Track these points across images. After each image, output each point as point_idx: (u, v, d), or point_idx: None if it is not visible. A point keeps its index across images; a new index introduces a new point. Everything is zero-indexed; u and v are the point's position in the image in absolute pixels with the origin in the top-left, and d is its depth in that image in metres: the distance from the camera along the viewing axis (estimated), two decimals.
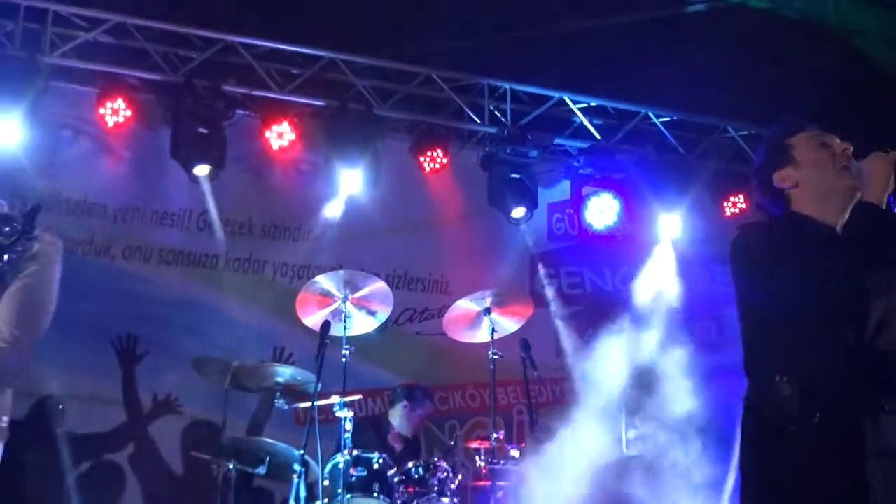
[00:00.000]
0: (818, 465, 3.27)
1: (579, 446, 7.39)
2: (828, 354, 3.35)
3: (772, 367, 3.37)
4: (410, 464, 7.09)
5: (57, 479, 7.14)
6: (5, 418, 3.64)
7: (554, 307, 9.89)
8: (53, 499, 7.31)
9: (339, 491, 6.77)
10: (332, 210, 9.07)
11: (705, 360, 9.11)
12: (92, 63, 8.30)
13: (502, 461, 7.19)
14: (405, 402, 7.95)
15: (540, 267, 10.07)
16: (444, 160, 9.30)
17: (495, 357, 7.36)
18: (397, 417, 7.95)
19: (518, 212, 9.43)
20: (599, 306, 10.05)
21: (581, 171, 9.96)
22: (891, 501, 3.29)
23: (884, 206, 3.32)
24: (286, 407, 7.50)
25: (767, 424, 3.36)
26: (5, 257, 3.36)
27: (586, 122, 9.76)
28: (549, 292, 10.00)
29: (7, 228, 3.33)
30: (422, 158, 9.27)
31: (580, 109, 9.72)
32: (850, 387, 3.33)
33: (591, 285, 10.21)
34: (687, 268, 10.08)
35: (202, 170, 8.37)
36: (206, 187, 8.65)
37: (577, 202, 9.90)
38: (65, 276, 6.60)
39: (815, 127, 3.61)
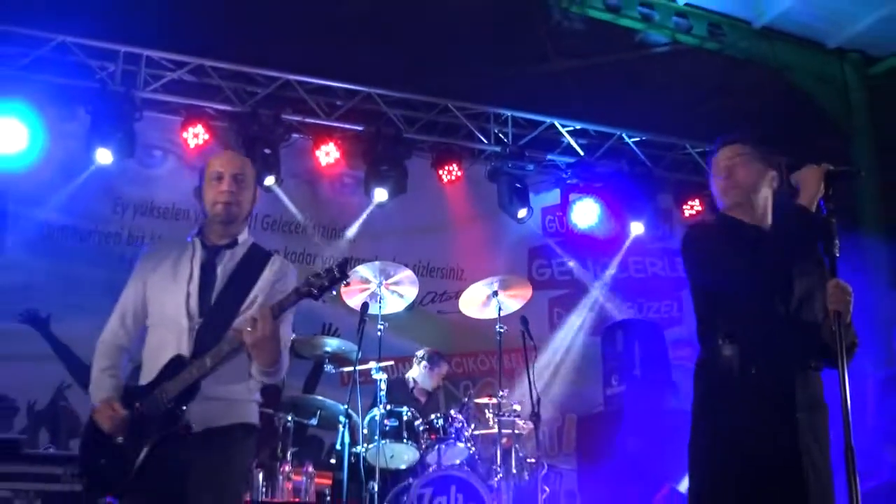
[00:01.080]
0: (756, 410, 3.28)
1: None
2: (761, 323, 3.37)
3: (717, 333, 3.39)
4: (432, 416, 7.09)
5: None
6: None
7: (547, 290, 9.91)
8: None
9: (376, 437, 6.78)
10: (370, 213, 9.10)
11: (669, 333, 9.14)
12: (177, 97, 8.34)
13: (506, 413, 7.19)
14: (426, 364, 7.97)
15: (535, 258, 10.08)
16: (459, 173, 9.32)
17: (501, 330, 7.35)
18: (420, 375, 7.97)
19: (522, 212, 9.43)
20: (584, 289, 10.08)
21: (568, 181, 9.94)
22: (816, 443, 3.30)
23: (814, 209, 3.32)
24: (333, 371, 7.52)
25: (715, 377, 3.38)
26: (323, 298, 3.51)
27: (572, 142, 9.74)
28: (543, 278, 10.01)
29: (326, 277, 3.44)
30: (441, 172, 9.28)
31: (567, 132, 9.70)
32: (779, 348, 3.35)
33: (577, 272, 10.19)
34: (654, 257, 10.09)
35: (270, 180, 8.40)
36: (281, 194, 8.72)
37: (565, 206, 9.88)
38: None
39: (746, 140, 3.62)
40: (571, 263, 10.12)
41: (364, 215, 9.10)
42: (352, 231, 9.15)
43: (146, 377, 3.51)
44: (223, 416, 3.49)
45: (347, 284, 3.80)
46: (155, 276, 3.60)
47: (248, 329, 3.33)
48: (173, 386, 3.39)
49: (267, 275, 3.66)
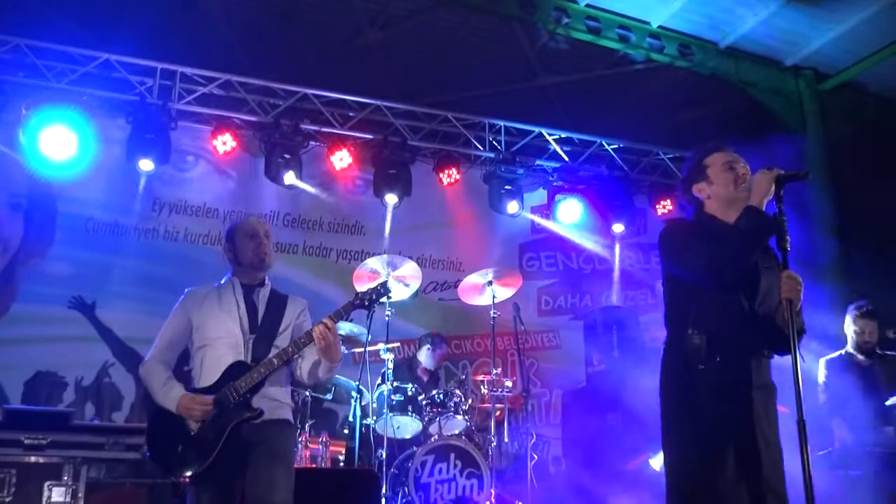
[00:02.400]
0: (719, 392, 3.30)
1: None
2: (727, 315, 3.38)
3: (686, 323, 3.39)
4: (434, 391, 7.11)
5: None
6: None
7: (535, 280, 9.92)
8: None
9: (384, 411, 6.80)
10: (379, 212, 9.10)
11: (644, 318, 9.15)
12: (208, 108, 8.33)
13: (499, 389, 7.20)
14: (429, 346, 7.98)
15: (525, 252, 10.08)
16: (458, 176, 9.30)
17: (495, 315, 7.36)
18: (424, 356, 7.99)
19: (512, 207, 9.42)
20: (568, 279, 10.09)
21: (554, 184, 9.93)
22: (768, 420, 3.32)
23: (763, 209, 3.33)
24: (346, 351, 7.52)
25: (682, 363, 3.39)
26: (372, 310, 4.60)
27: (558, 149, 9.72)
28: (533, 269, 10.02)
29: (374, 292, 4.19)
30: (441, 175, 9.26)
31: (554, 139, 9.68)
32: (741, 338, 3.36)
33: (562, 265, 10.20)
34: (630, 251, 10.10)
35: (290, 177, 8.42)
36: (303, 187, 8.75)
37: (551, 205, 9.89)
38: (192, 261, 6.86)
39: (726, 149, 3.63)
40: (558, 256, 10.14)
41: (373, 214, 9.11)
42: (363, 227, 9.17)
43: (205, 382, 3.98)
44: (276, 412, 4.01)
45: (389, 298, 4.53)
46: (203, 309, 4.10)
47: (320, 336, 3.90)
48: (243, 383, 3.90)
49: (290, 310, 4.23)
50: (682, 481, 3.32)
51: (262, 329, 4.10)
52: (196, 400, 3.87)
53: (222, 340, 4.03)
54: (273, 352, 4.04)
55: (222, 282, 4.31)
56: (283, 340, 4.11)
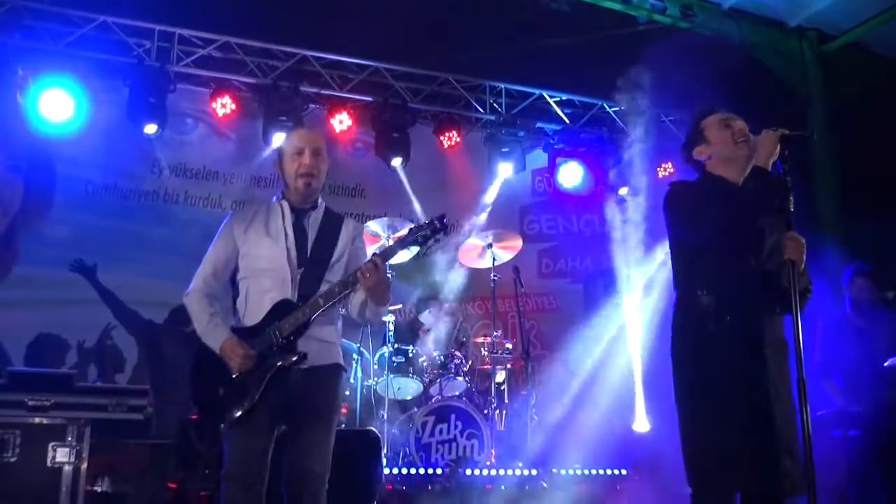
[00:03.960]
0: (730, 353, 3.30)
1: None
2: (735, 275, 3.38)
3: (695, 283, 3.40)
4: (434, 353, 7.15)
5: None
6: None
7: (536, 243, 9.92)
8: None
9: (385, 372, 6.84)
10: (380, 174, 9.08)
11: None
12: (206, 71, 8.29)
13: (499, 351, 7.24)
14: (430, 308, 8.01)
15: (526, 214, 10.07)
16: (458, 139, 9.27)
17: (495, 278, 7.38)
18: (424, 318, 8.02)
19: (504, 167, 9.43)
20: (569, 242, 10.09)
21: (555, 146, 9.89)
22: (781, 379, 3.33)
23: (770, 170, 3.31)
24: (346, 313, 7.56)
25: (693, 324, 3.39)
26: (427, 247, 3.73)
27: (559, 111, 9.70)
28: (533, 232, 10.01)
29: (428, 228, 3.63)
30: (442, 138, 9.23)
31: (555, 102, 9.66)
32: (751, 297, 3.36)
33: (562, 227, 10.19)
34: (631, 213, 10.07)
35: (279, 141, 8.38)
36: None
37: (552, 168, 9.84)
38: (193, 223, 6.72)
39: (720, 109, 3.62)
40: (558, 219, 10.13)
41: (375, 176, 9.07)
42: (364, 190, 9.14)
43: (250, 319, 3.66)
44: (325, 356, 3.67)
45: (446, 234, 3.73)
46: (249, 235, 3.74)
47: (367, 275, 3.48)
48: (287, 324, 3.55)
49: (344, 234, 3.82)
50: (695, 440, 3.34)
51: (312, 262, 3.72)
52: (237, 349, 3.55)
53: (268, 274, 3.68)
54: (323, 287, 3.67)
55: (273, 201, 3.90)
56: (335, 273, 3.73)
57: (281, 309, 3.61)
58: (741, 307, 3.34)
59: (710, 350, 3.32)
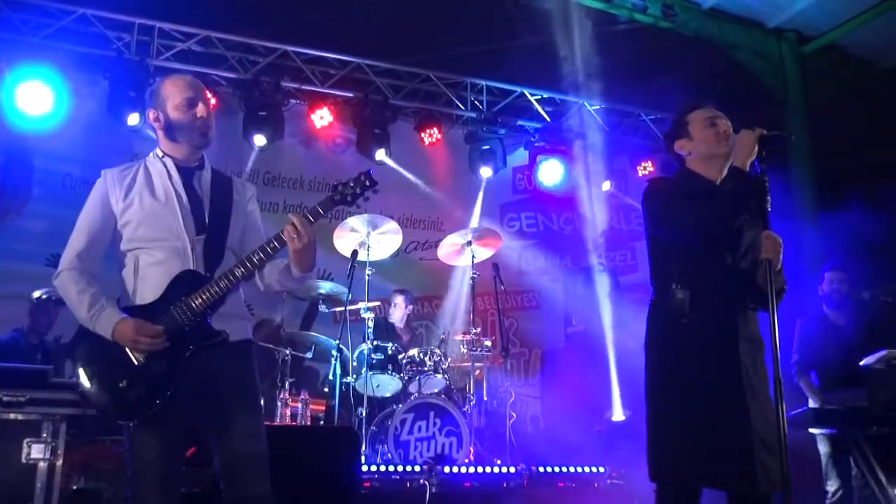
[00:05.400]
0: (704, 347, 3.31)
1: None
2: (710, 270, 3.40)
3: (670, 278, 3.39)
4: (414, 350, 7.13)
5: None
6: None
7: (516, 240, 9.92)
8: None
9: (364, 369, 6.82)
10: (359, 171, 9.02)
11: (624, 279, 9.19)
12: (187, 65, 8.21)
13: (478, 348, 7.23)
14: (393, 302, 8.02)
15: (506, 212, 10.08)
16: (439, 136, 9.27)
17: (474, 276, 7.38)
18: (392, 314, 8.02)
19: (484, 171, 9.41)
20: (549, 240, 10.10)
21: (536, 144, 9.90)
22: (756, 374, 3.34)
23: (748, 170, 3.32)
24: (326, 310, 7.56)
25: (667, 318, 3.40)
26: (357, 203, 3.39)
27: (540, 109, 9.71)
28: (514, 230, 10.02)
29: (357, 185, 3.35)
30: (423, 135, 9.23)
31: (536, 100, 9.66)
32: (725, 293, 3.38)
33: (542, 225, 10.20)
34: (612, 212, 10.10)
35: (260, 140, 8.35)
36: (268, 155, 8.65)
37: (533, 166, 9.86)
38: None
39: (708, 106, 3.62)
40: (538, 217, 10.14)
41: (354, 172, 9.03)
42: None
43: (142, 297, 3.16)
44: (238, 332, 3.25)
45: (376, 192, 3.40)
46: (132, 199, 3.24)
47: (294, 237, 3.12)
48: (199, 300, 3.10)
49: (238, 199, 3.43)
50: (665, 433, 3.33)
51: (213, 228, 3.27)
52: (141, 329, 3.03)
53: (160, 243, 3.18)
54: (227, 255, 3.27)
55: (149, 158, 3.40)
56: (235, 240, 3.33)
57: (184, 282, 3.14)
58: (715, 302, 3.35)
59: (684, 344, 3.33)
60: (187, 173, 3.36)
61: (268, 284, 3.39)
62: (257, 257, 3.17)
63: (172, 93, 3.35)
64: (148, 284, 3.17)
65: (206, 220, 3.27)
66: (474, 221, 9.30)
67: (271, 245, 3.18)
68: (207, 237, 3.25)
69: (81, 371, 3.12)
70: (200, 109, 3.35)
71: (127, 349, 3.06)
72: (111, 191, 3.27)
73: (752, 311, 3.45)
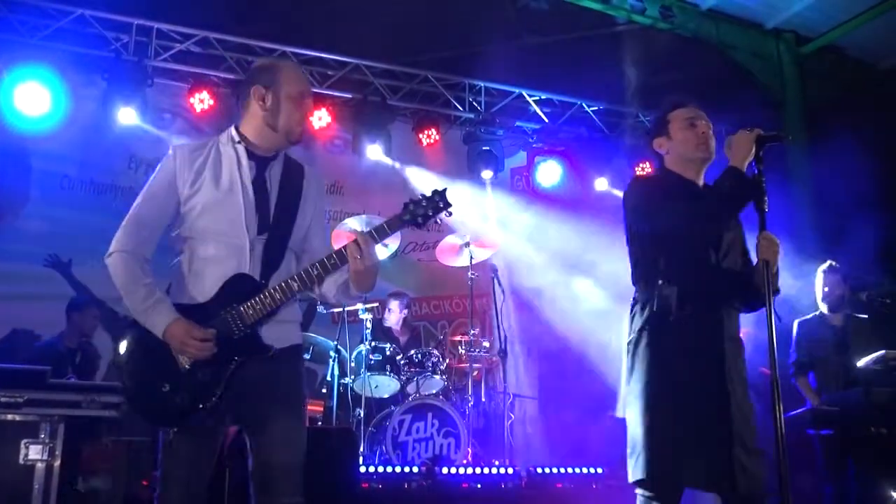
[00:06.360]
0: (689, 345, 3.31)
1: None
2: (697, 267, 3.41)
3: (656, 275, 3.40)
4: (412, 351, 7.14)
5: None
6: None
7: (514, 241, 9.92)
8: None
9: (362, 370, 6.82)
10: (358, 172, 9.04)
11: None
12: (184, 66, 8.23)
13: (476, 350, 7.24)
14: (388, 305, 8.02)
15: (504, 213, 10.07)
16: (437, 137, 9.26)
17: (473, 276, 7.38)
18: (389, 321, 8.02)
19: (485, 174, 9.40)
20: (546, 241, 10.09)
21: (534, 145, 9.92)
22: (737, 370, 3.34)
23: (745, 170, 3.33)
24: (325, 311, 7.54)
25: (653, 315, 3.39)
26: (427, 226, 3.20)
27: (538, 110, 9.70)
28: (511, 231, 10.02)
29: (430, 206, 3.12)
30: (421, 136, 9.22)
31: (534, 101, 9.66)
32: (712, 290, 3.39)
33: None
34: (606, 213, 10.09)
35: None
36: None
37: (531, 167, 9.87)
38: None
39: (689, 105, 3.62)
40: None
41: (352, 173, 9.03)
42: (342, 187, 9.10)
43: (198, 294, 3.01)
44: (288, 338, 3.11)
45: (450, 215, 3.15)
46: (197, 182, 3.05)
47: (357, 257, 2.96)
48: (251, 310, 2.95)
49: (308, 190, 3.20)
50: (648, 431, 3.30)
51: (276, 227, 3.07)
52: (192, 332, 2.89)
53: (220, 238, 3.01)
54: (286, 257, 3.09)
55: (221, 139, 3.16)
56: (297, 240, 3.15)
57: (239, 287, 2.98)
58: (702, 300, 3.36)
59: (671, 341, 3.32)
60: (260, 164, 3.13)
61: (323, 295, 3.22)
62: (316, 272, 3.00)
63: (292, 79, 3.14)
64: (200, 282, 3.01)
65: (271, 219, 3.07)
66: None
67: (332, 261, 3.01)
68: (269, 237, 3.06)
69: (125, 370, 3.00)
70: (309, 105, 3.20)
71: (173, 351, 2.94)
72: (180, 172, 3.06)
73: (735, 311, 3.47)
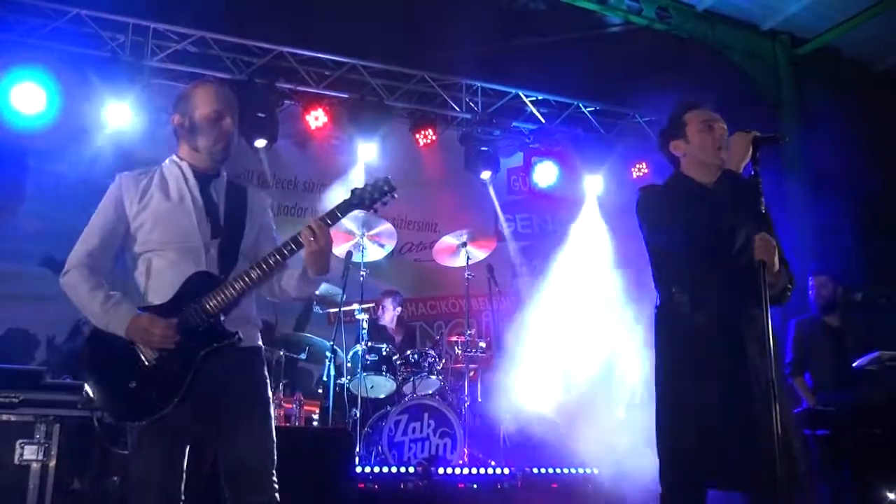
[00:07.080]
0: (711, 348, 3.31)
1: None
2: (707, 273, 3.39)
3: (670, 282, 3.41)
4: (408, 351, 7.13)
5: None
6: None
7: (510, 242, 9.92)
8: None
9: (358, 370, 6.81)
10: (354, 172, 9.03)
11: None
12: (181, 66, 8.20)
13: (473, 350, 7.23)
14: (382, 305, 8.01)
15: (501, 213, 10.07)
16: (434, 137, 9.24)
17: (469, 277, 7.37)
18: (384, 320, 8.01)
19: (485, 174, 9.40)
20: (542, 241, 10.10)
21: (531, 146, 9.90)
22: (763, 370, 3.29)
23: (741, 172, 3.32)
24: (321, 311, 7.53)
25: (670, 319, 3.40)
26: (374, 209, 3.39)
27: (535, 111, 9.70)
28: (508, 231, 10.02)
29: (376, 189, 3.34)
30: (418, 136, 9.20)
31: (531, 101, 9.66)
32: (725, 293, 3.37)
33: (537, 227, 10.21)
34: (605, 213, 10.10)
35: (261, 142, 8.32)
36: (264, 156, 8.65)
37: (528, 167, 9.86)
38: None
39: (705, 107, 3.60)
40: (533, 218, 10.14)
41: (349, 173, 9.02)
42: (338, 187, 9.10)
43: (156, 297, 3.09)
44: (251, 338, 3.22)
45: (394, 198, 3.39)
46: (147, 202, 3.20)
47: (311, 239, 3.10)
48: (213, 301, 3.05)
49: (253, 207, 3.36)
50: (674, 434, 3.33)
51: (227, 232, 3.22)
52: (154, 322, 2.98)
53: (175, 246, 3.12)
54: (240, 261, 3.21)
55: (165, 164, 3.35)
56: (248, 246, 3.28)
57: (199, 283, 3.09)
58: (716, 304, 3.35)
59: (693, 345, 3.33)
60: (204, 179, 3.30)
61: (283, 290, 3.35)
62: (273, 259, 3.13)
63: (203, 101, 3.28)
64: (160, 285, 3.11)
65: (221, 224, 3.23)
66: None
67: (288, 247, 3.16)
68: (222, 241, 3.20)
69: (89, 372, 3.06)
70: (227, 124, 3.30)
71: (138, 350, 3.01)
72: (126, 193, 3.23)
73: (759, 311, 3.44)
